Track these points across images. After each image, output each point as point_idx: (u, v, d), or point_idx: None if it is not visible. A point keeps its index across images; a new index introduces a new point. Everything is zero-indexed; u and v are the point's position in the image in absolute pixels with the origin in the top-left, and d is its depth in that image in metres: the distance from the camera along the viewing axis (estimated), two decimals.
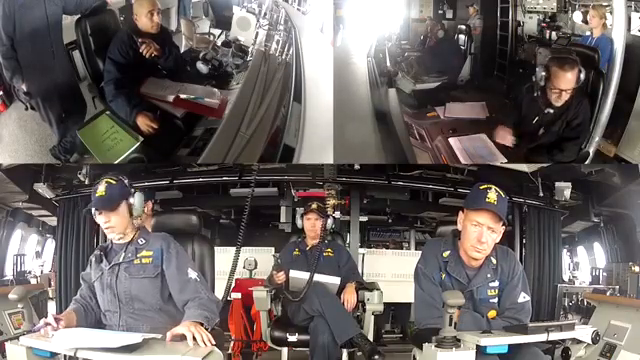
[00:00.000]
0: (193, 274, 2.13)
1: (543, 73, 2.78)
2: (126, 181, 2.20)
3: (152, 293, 2.12)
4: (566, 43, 3.98)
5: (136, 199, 2.19)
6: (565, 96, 2.76)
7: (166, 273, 2.13)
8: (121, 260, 2.14)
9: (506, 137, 3.01)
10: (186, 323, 1.84)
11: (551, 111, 2.87)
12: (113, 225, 2.14)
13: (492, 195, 2.06)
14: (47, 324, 1.83)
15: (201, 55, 3.58)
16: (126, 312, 2.09)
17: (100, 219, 2.14)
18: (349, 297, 3.12)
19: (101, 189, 2.12)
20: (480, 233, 2.08)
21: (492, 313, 2.13)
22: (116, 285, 2.11)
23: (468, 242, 2.12)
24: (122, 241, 2.21)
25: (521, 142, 3.04)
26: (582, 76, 2.73)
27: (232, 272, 2.69)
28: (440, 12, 5.17)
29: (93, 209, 2.12)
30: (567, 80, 2.72)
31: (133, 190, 2.21)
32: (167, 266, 2.14)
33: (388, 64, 3.98)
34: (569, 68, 2.70)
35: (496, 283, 2.17)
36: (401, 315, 5.33)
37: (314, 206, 3.45)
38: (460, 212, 2.19)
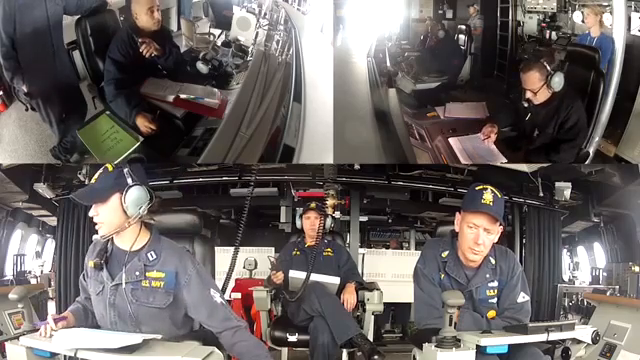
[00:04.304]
0: (218, 298, 1.89)
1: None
2: (126, 170, 1.84)
3: (162, 321, 1.87)
4: (566, 43, 3.98)
5: (129, 195, 1.82)
6: (538, 95, 2.86)
7: (187, 299, 1.87)
8: (126, 280, 1.82)
9: (491, 135, 3.14)
10: None
11: (539, 109, 2.93)
12: (101, 220, 1.83)
13: (488, 196, 2.05)
14: (46, 324, 1.76)
15: (201, 55, 3.56)
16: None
17: (91, 211, 1.83)
18: (349, 297, 3.12)
19: (95, 176, 1.83)
20: (476, 235, 2.07)
21: (492, 313, 2.13)
22: (121, 307, 1.83)
23: (465, 244, 2.12)
24: (124, 246, 1.87)
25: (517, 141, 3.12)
26: (557, 79, 2.79)
27: (230, 271, 2.69)
28: (440, 12, 5.16)
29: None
30: (528, 81, 2.86)
31: (131, 182, 1.83)
32: (188, 291, 1.86)
33: (388, 64, 3.98)
34: (527, 70, 2.86)
35: (495, 283, 2.17)
36: (401, 315, 5.34)
37: (313, 205, 3.46)
38: (457, 213, 2.19)
